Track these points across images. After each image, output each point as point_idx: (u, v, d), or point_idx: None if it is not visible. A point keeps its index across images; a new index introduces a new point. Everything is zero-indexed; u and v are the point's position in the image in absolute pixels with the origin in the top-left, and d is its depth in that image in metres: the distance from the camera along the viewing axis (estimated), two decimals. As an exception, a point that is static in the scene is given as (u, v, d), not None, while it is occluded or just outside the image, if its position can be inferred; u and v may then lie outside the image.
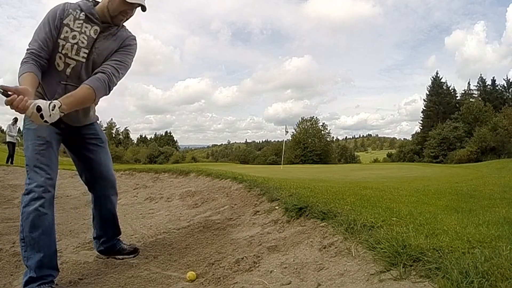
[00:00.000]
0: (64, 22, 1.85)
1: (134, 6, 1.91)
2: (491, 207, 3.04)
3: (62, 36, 1.84)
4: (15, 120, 12.16)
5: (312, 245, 1.90)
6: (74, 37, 1.86)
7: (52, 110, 1.59)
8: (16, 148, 12.14)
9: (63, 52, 1.85)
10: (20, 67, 1.74)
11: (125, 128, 70.37)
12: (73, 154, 2.17)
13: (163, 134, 77.15)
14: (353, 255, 1.62)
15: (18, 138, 12.58)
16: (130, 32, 2.06)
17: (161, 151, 58.27)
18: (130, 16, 1.99)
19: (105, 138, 2.23)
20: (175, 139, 76.53)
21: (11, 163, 11.05)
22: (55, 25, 1.84)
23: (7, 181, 6.76)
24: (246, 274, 1.75)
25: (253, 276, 1.70)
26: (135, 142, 71.36)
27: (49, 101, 1.61)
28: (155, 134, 78.26)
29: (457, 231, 1.75)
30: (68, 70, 1.88)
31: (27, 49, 1.80)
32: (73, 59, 1.88)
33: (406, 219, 2.00)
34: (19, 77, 1.72)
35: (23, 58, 1.78)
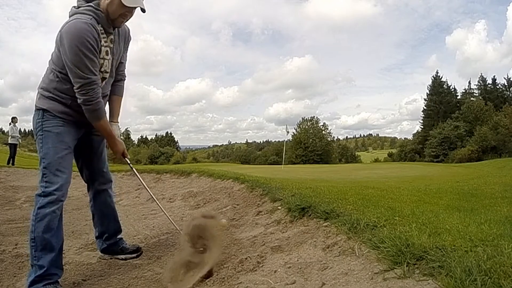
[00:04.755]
0: (101, 43, 1.91)
1: (133, 8, 1.93)
2: (493, 206, 3.04)
3: (101, 55, 1.92)
4: (15, 120, 12.14)
5: (316, 244, 1.90)
6: (107, 53, 1.97)
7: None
8: (17, 149, 12.14)
9: (102, 69, 1.96)
10: (96, 100, 1.90)
11: (126, 128, 70.32)
12: (77, 149, 2.18)
13: (164, 135, 77.37)
14: (357, 254, 1.62)
15: (19, 139, 12.60)
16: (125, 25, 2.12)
17: (162, 151, 58.32)
18: (130, 17, 2.01)
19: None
20: (176, 139, 76.79)
21: (12, 164, 11.06)
22: (98, 50, 1.88)
23: (8, 183, 6.78)
24: (250, 274, 1.75)
25: (258, 276, 1.71)
26: (136, 142, 71.44)
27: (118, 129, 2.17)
28: (156, 135, 78.55)
29: (460, 230, 1.76)
30: (103, 83, 1.99)
31: (88, 79, 1.83)
32: (106, 72, 2.01)
33: (409, 218, 2.00)
34: (103, 112, 1.97)
35: (92, 91, 1.87)
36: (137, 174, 2.38)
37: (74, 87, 1.85)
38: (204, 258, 2.01)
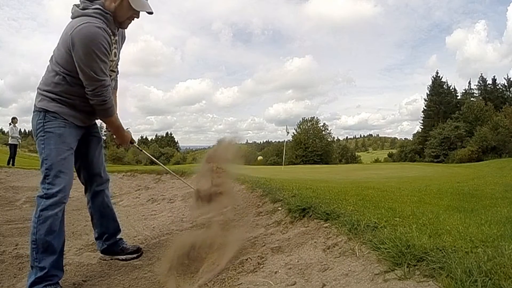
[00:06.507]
0: (112, 46, 1.96)
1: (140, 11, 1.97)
2: (493, 206, 3.03)
3: (111, 58, 1.97)
4: (15, 120, 12.15)
5: (316, 245, 1.90)
6: (115, 54, 2.03)
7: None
8: (17, 150, 12.15)
9: (110, 68, 2.01)
10: (109, 99, 1.96)
11: (126, 129, 70.23)
12: (75, 151, 2.21)
13: (164, 135, 77.47)
14: (357, 255, 1.62)
15: (19, 140, 12.60)
16: None
17: (162, 152, 58.42)
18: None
19: (101, 136, 2.38)
20: (176, 140, 76.92)
21: (13, 164, 11.07)
22: (110, 52, 1.94)
23: (8, 183, 6.77)
24: (251, 275, 1.75)
25: (258, 277, 1.70)
26: (136, 143, 71.44)
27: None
28: (156, 135, 78.77)
29: (460, 231, 1.76)
30: (109, 80, 2.02)
31: (103, 81, 1.88)
32: (113, 71, 2.08)
33: (409, 219, 2.00)
34: (113, 109, 2.04)
35: (106, 91, 1.93)
36: (146, 153, 2.60)
37: (87, 89, 1.87)
38: (214, 237, 2.06)
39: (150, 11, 1.95)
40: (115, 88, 2.32)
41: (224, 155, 2.33)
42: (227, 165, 2.30)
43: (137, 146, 2.40)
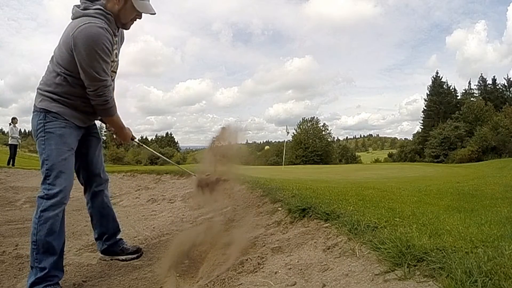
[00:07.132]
0: (114, 47, 1.97)
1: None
2: (493, 206, 3.03)
3: (112, 58, 1.97)
4: (15, 121, 12.15)
5: (316, 246, 1.90)
6: (116, 55, 2.04)
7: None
8: (17, 150, 12.16)
9: (111, 69, 2.01)
10: (111, 99, 1.99)
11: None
12: (76, 152, 2.21)
13: (164, 135, 77.48)
14: (358, 255, 1.62)
15: (19, 140, 12.62)
16: None
17: (162, 152, 58.39)
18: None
19: (100, 136, 2.37)
20: (176, 140, 76.90)
21: (13, 165, 11.08)
22: (112, 53, 1.94)
23: (8, 183, 6.78)
24: (251, 276, 1.75)
25: (258, 277, 1.70)
26: (137, 139, 71.57)
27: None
28: (156, 136, 78.70)
29: (460, 231, 1.76)
30: (110, 80, 2.03)
31: (104, 81, 1.89)
32: (114, 72, 2.08)
33: (409, 219, 2.00)
34: (115, 108, 2.05)
35: (107, 91, 1.94)
36: (147, 148, 2.68)
37: (89, 89, 1.87)
38: (215, 237, 2.05)
39: (153, 12, 1.97)
40: (113, 88, 2.33)
41: (229, 143, 2.33)
42: (231, 154, 2.30)
43: (138, 142, 2.43)
